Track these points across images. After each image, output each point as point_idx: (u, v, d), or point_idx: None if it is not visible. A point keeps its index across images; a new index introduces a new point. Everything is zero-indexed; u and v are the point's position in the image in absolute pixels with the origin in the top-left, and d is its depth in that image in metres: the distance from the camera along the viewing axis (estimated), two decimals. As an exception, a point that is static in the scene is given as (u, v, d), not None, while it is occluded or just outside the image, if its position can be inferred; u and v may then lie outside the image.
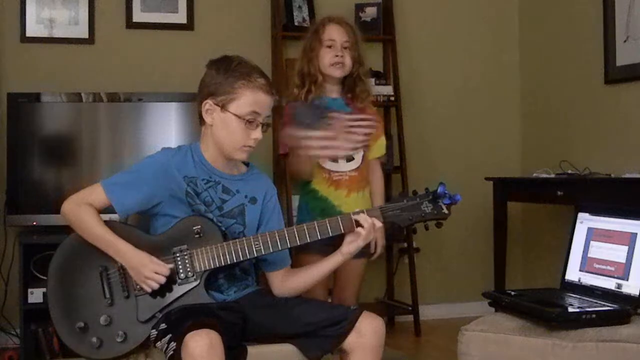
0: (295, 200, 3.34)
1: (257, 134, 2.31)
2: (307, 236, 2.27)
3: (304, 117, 2.76)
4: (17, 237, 3.93)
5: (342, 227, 2.29)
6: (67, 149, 4.03)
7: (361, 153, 2.94)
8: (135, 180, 2.29)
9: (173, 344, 2.07)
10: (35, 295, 3.73)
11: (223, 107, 2.30)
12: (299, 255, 2.63)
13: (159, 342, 2.17)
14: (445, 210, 2.31)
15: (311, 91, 2.90)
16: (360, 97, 2.96)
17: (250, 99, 2.29)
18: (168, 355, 2.09)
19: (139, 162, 2.36)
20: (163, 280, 2.21)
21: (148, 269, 2.21)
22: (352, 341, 2.19)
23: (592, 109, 4.38)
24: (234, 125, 2.30)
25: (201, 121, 2.37)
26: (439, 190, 2.29)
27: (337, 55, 2.89)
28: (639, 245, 2.61)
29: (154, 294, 2.24)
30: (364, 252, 2.68)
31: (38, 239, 3.75)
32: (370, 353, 2.20)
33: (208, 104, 2.31)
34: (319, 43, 2.91)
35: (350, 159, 2.92)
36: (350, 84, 2.96)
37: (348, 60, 2.91)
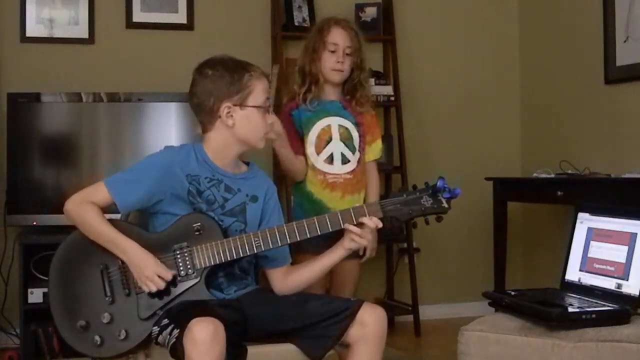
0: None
1: (271, 117, 2.43)
2: (307, 232, 2.28)
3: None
4: (17, 237, 3.93)
5: (341, 222, 2.29)
6: (67, 149, 4.03)
7: (357, 156, 2.94)
8: (138, 178, 2.30)
9: (176, 332, 2.07)
10: (35, 295, 3.73)
11: (242, 104, 2.33)
12: (296, 256, 2.63)
13: (160, 336, 2.17)
14: (445, 205, 2.30)
15: (311, 90, 2.91)
16: (360, 102, 2.98)
17: (261, 88, 2.35)
18: (170, 344, 2.09)
19: (141, 161, 2.36)
20: (163, 285, 2.22)
21: (151, 270, 2.21)
22: (355, 333, 2.20)
23: (592, 109, 4.38)
24: (256, 116, 2.35)
25: (206, 128, 2.37)
26: (438, 184, 2.29)
27: (338, 62, 2.90)
28: (639, 245, 2.61)
29: (156, 291, 2.23)
30: (355, 252, 2.68)
31: (38, 239, 3.76)
32: (373, 343, 2.21)
33: (227, 107, 2.32)
34: (322, 45, 2.91)
35: (346, 161, 2.92)
36: (350, 89, 2.97)
37: (347, 67, 2.92)
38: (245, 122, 2.34)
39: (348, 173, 2.92)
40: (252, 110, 2.34)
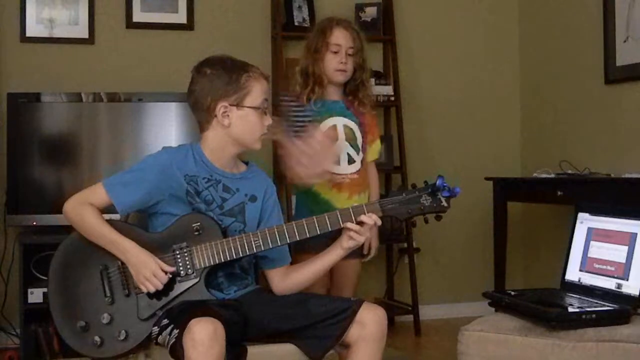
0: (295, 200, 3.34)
1: (269, 119, 2.39)
2: (307, 231, 2.28)
3: (290, 113, 2.83)
4: (17, 237, 3.93)
5: (341, 222, 2.29)
6: (67, 149, 4.03)
7: (361, 156, 2.95)
8: (136, 179, 2.30)
9: (175, 332, 2.07)
10: (35, 295, 3.73)
11: (238, 104, 2.32)
12: (297, 255, 2.63)
13: (160, 336, 2.17)
14: (444, 203, 2.30)
15: (314, 91, 2.90)
16: (362, 102, 2.97)
17: (259, 89, 2.35)
18: (170, 344, 2.09)
19: (139, 162, 2.36)
20: (160, 285, 2.22)
21: (149, 270, 2.21)
22: (354, 333, 2.20)
23: (592, 109, 4.38)
24: (252, 117, 2.34)
25: (203, 127, 2.38)
26: (437, 183, 2.29)
27: (341, 62, 2.89)
28: (639, 245, 2.61)
29: (155, 291, 2.24)
30: (358, 252, 2.68)
31: (38, 239, 3.76)
32: (373, 344, 2.21)
33: (223, 107, 2.32)
34: (325, 46, 2.90)
35: (351, 161, 2.92)
36: (352, 89, 2.97)
37: (350, 67, 2.92)
38: (241, 122, 2.34)
39: (354, 173, 2.92)
40: (248, 111, 2.33)
